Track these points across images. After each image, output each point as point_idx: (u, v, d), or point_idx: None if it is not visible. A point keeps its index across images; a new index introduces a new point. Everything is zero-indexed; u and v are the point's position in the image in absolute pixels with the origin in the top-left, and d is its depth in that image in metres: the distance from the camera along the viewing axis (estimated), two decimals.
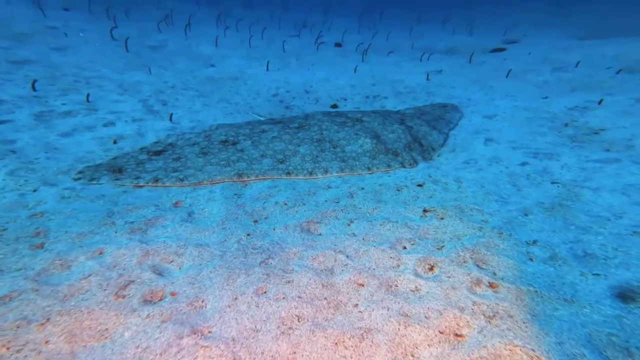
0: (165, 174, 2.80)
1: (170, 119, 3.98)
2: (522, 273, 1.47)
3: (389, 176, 2.96)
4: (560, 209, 1.93)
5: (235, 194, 2.74)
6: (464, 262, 1.61)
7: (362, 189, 2.72)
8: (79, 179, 2.69)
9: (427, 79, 6.29)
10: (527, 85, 5.53)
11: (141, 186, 2.70)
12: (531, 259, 1.52)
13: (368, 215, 2.36)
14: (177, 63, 6.77)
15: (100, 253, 1.89)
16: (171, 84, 5.35)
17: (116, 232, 2.12)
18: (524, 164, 2.70)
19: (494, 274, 1.50)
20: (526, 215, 1.92)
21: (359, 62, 7.69)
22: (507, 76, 6.00)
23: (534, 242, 1.64)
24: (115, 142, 3.33)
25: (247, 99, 5.40)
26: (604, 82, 5.06)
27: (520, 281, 1.42)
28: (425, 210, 2.24)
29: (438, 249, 1.80)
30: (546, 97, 4.56)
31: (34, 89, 3.94)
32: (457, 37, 11.18)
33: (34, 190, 2.41)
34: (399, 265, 1.75)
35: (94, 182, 2.68)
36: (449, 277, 1.56)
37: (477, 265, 1.57)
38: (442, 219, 2.11)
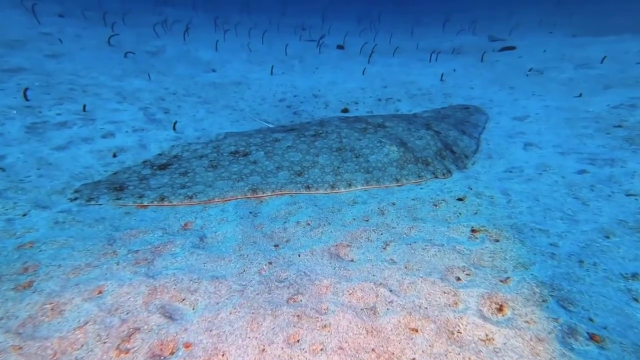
0: (172, 191, 2.55)
1: (174, 128, 3.75)
2: (630, 319, 1.20)
3: (421, 188, 2.70)
4: None
5: (250, 213, 2.50)
6: (543, 300, 1.34)
7: (393, 204, 2.45)
8: (76, 199, 2.45)
9: (442, 79, 6.05)
10: (552, 84, 5.26)
11: (145, 206, 2.45)
12: (636, 300, 1.25)
13: (405, 236, 2.10)
14: (177, 69, 6.58)
15: (100, 292, 1.64)
16: (172, 91, 5.14)
17: (118, 264, 1.87)
18: (581, 172, 2.43)
19: (591, 319, 1.23)
20: (607, 237, 1.64)
21: (366, 64, 7.48)
22: (527, 74, 5.74)
23: (634, 275, 1.37)
24: (115, 156, 3.09)
25: (252, 105, 5.18)
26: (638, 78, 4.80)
27: (632, 332, 1.14)
28: (473, 230, 1.97)
29: (502, 281, 1.52)
30: (580, 95, 4.29)
31: (26, 98, 3.73)
32: (462, 37, 10.99)
33: (24, 215, 2.17)
34: (456, 303, 1.48)
35: (92, 202, 2.44)
36: (528, 322, 1.29)
37: (563, 307, 1.29)
38: (496, 241, 1.84)
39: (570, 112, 3.85)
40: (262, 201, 2.66)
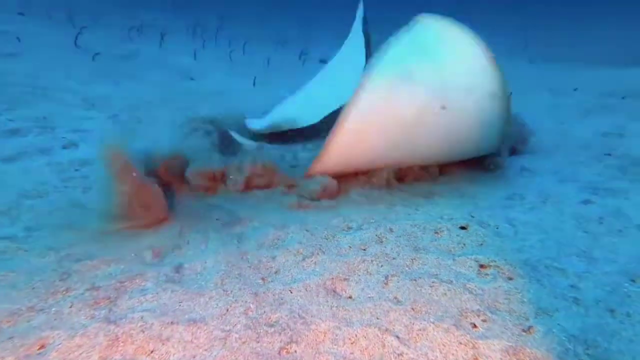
0: None
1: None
2: None
3: (417, 212, 2.57)
4: None
5: (234, 238, 2.25)
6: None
7: (391, 230, 2.30)
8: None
9: None
10: (534, 107, 5.41)
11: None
12: None
13: (407, 269, 1.93)
14: (152, 75, 6.26)
15: (42, 347, 1.33)
16: (147, 99, 4.80)
17: (71, 307, 1.57)
18: (586, 202, 2.39)
19: None
20: (634, 281, 1.55)
21: None
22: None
23: None
24: (77, 171, 2.75)
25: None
26: (615, 106, 5.04)
27: None
28: (482, 266, 1.84)
29: (525, 331, 1.38)
30: (562, 124, 4.42)
31: None
32: None
33: None
34: (477, 359, 1.31)
35: (45, 227, 2.11)
36: None
37: None
38: (510, 279, 1.71)
39: (557, 136, 3.92)
40: (247, 224, 2.42)
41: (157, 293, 1.72)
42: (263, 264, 2.00)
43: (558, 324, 1.36)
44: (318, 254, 2.10)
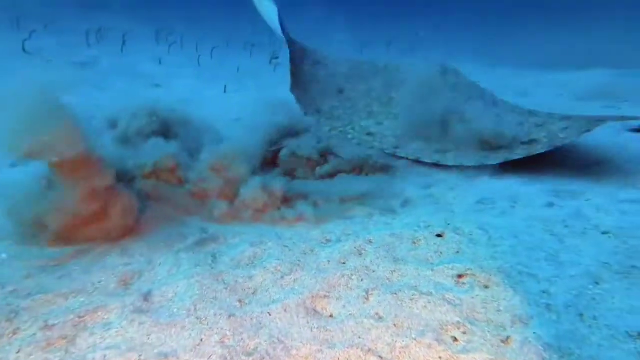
0: None
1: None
2: None
3: (395, 221, 2.59)
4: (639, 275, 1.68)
5: (209, 255, 2.16)
6: None
7: (370, 242, 2.29)
8: None
9: None
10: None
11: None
12: None
13: (388, 282, 1.93)
14: (115, 83, 5.92)
15: None
16: (110, 109, 4.52)
17: (19, 351, 1.42)
18: (550, 205, 2.51)
19: None
20: (597, 284, 1.64)
21: None
22: None
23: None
24: None
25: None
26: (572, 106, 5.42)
27: None
28: (459, 275, 1.87)
29: (503, 342, 1.41)
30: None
31: None
32: (404, 59, 11.68)
33: None
34: None
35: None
36: None
37: None
38: (486, 287, 1.75)
39: None
40: (222, 242, 2.33)
41: (122, 327, 1.59)
42: (240, 285, 1.92)
43: (534, 333, 1.40)
44: (297, 270, 2.05)
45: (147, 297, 1.79)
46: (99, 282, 1.88)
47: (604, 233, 2.07)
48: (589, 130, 3.08)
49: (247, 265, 2.09)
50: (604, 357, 1.23)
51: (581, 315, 1.44)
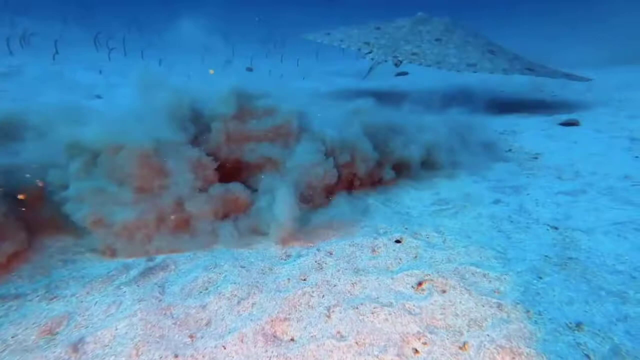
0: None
1: None
2: None
3: (354, 228, 2.58)
4: (574, 265, 1.81)
5: (156, 286, 1.99)
6: None
7: (331, 254, 2.26)
8: None
9: None
10: None
11: None
12: (588, 357, 1.27)
13: (349, 295, 1.90)
14: (45, 94, 5.34)
15: None
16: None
17: None
18: (497, 201, 2.65)
19: None
20: (541, 277, 1.73)
21: None
22: None
23: (578, 325, 1.42)
24: None
25: None
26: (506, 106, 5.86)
27: None
28: (419, 282, 1.89)
29: (461, 348, 1.43)
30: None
31: None
32: (363, 63, 11.97)
33: None
34: None
35: None
36: None
37: None
38: (443, 292, 1.79)
39: None
40: (172, 269, 2.16)
41: None
42: (192, 317, 1.78)
43: (487, 335, 1.44)
44: (255, 293, 1.95)
45: (77, 346, 1.58)
46: (13, 336, 1.63)
47: (543, 226, 2.23)
48: (530, 70, 4.82)
49: (200, 292, 1.95)
50: (549, 352, 1.30)
51: (528, 312, 1.52)
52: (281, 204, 2.36)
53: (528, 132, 4.26)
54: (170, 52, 9.97)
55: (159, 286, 2.00)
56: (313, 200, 2.74)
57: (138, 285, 1.98)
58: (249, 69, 11.18)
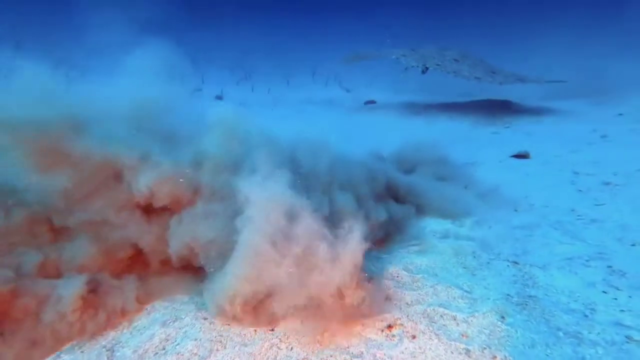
0: None
1: None
2: None
3: None
4: (534, 305, 1.88)
5: (104, 352, 1.81)
6: None
7: None
8: None
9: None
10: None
11: None
12: None
13: (319, 346, 1.83)
14: None
15: None
16: None
17: None
18: (462, 235, 2.73)
19: None
20: (504, 318, 1.77)
21: None
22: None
23: None
24: None
25: None
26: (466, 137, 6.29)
27: None
28: (389, 326, 1.86)
29: None
30: None
31: None
32: (331, 90, 12.34)
33: None
34: None
35: None
36: None
37: None
38: (413, 337, 1.77)
39: None
40: (125, 327, 1.97)
41: None
42: None
43: None
44: (218, 349, 1.82)
45: None
46: None
47: (504, 261, 2.33)
48: (520, 80, 7.28)
49: (156, 354, 1.78)
50: None
51: (494, 357, 1.54)
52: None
53: (485, 165, 4.55)
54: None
55: (107, 350, 1.81)
56: None
57: (82, 350, 1.78)
58: (219, 98, 11.16)
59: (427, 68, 7.82)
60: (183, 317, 2.06)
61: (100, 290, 2.01)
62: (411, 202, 3.12)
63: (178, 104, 2.78)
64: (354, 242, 1.83)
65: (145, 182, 2.15)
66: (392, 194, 3.08)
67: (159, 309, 2.14)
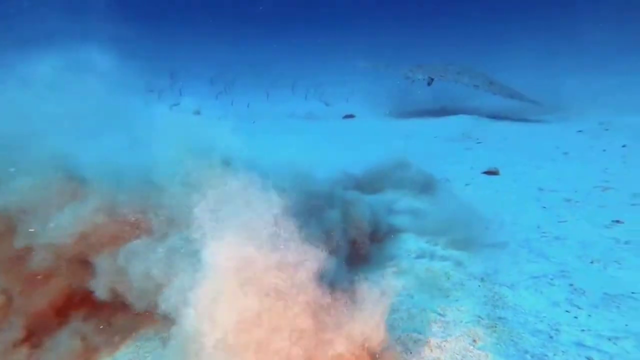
0: None
1: None
2: None
3: None
4: (503, 327, 1.95)
5: None
6: None
7: None
8: None
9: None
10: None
11: None
12: None
13: None
14: None
15: None
16: None
17: None
18: (436, 255, 2.80)
19: None
20: (475, 342, 1.82)
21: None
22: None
23: None
24: None
25: None
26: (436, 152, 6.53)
27: None
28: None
29: None
30: None
31: None
32: (311, 103, 12.47)
33: None
34: None
35: None
36: None
37: None
38: None
39: None
40: None
41: None
42: None
43: None
44: None
45: None
46: None
47: (475, 281, 2.41)
48: (510, 96, 8.61)
49: None
50: None
51: None
52: None
53: (456, 181, 4.72)
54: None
55: None
56: None
57: None
58: (197, 112, 10.94)
59: (432, 79, 9.20)
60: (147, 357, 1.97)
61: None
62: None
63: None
64: None
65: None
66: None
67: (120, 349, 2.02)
